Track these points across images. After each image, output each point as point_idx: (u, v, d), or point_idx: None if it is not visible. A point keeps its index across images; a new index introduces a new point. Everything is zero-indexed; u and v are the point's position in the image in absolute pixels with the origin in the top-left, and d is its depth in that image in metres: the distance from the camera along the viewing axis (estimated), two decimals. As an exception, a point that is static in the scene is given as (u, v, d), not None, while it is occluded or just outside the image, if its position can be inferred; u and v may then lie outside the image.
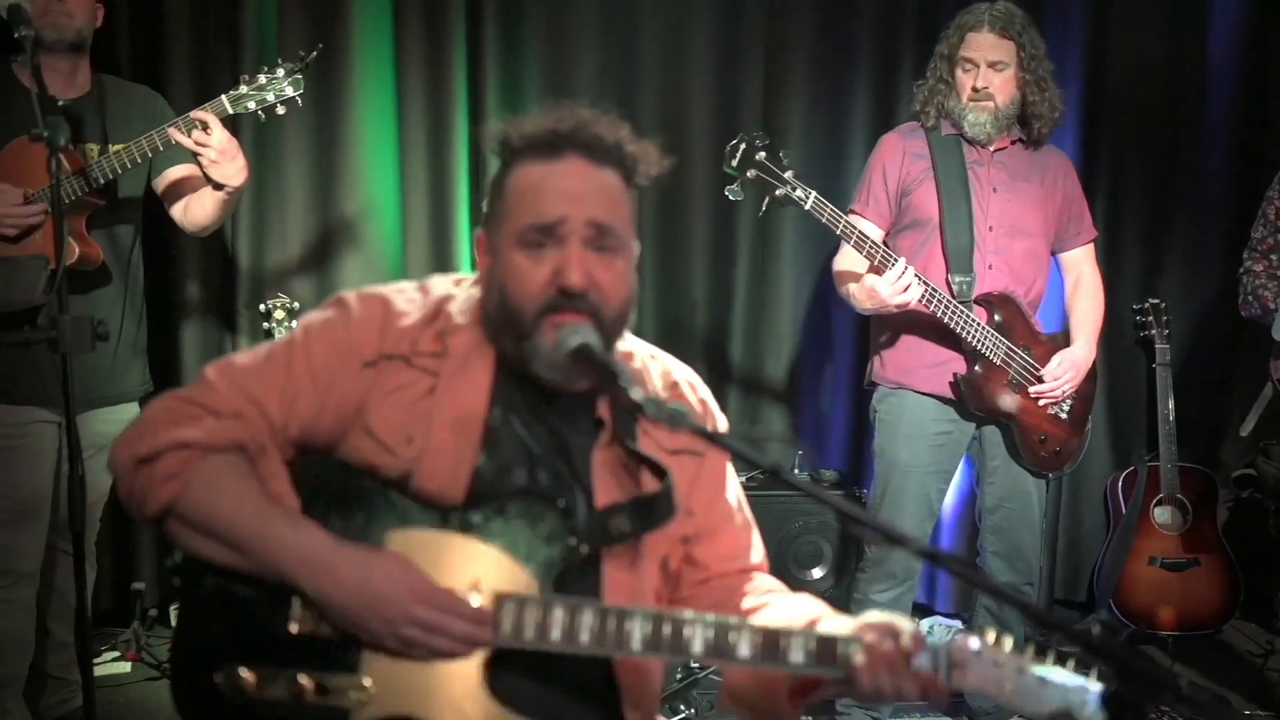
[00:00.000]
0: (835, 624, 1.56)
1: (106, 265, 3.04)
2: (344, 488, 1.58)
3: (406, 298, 1.67)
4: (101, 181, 2.89)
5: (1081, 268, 3.51)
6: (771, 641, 1.50)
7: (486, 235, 1.66)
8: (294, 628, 1.51)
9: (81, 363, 2.88)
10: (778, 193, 2.98)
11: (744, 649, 1.50)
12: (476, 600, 1.51)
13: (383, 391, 1.59)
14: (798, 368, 4.52)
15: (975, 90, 3.25)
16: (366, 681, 1.50)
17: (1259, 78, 4.53)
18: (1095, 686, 1.47)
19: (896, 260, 3.05)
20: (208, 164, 2.89)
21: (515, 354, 1.59)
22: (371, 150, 4.10)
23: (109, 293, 3.07)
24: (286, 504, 1.55)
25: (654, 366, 1.77)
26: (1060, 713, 1.47)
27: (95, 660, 3.59)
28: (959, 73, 3.29)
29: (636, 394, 1.43)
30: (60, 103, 2.39)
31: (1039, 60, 3.29)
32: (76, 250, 2.87)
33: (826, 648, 1.50)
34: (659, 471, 1.64)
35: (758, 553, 1.83)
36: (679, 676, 3.31)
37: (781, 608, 1.67)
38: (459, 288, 1.71)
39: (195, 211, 3.09)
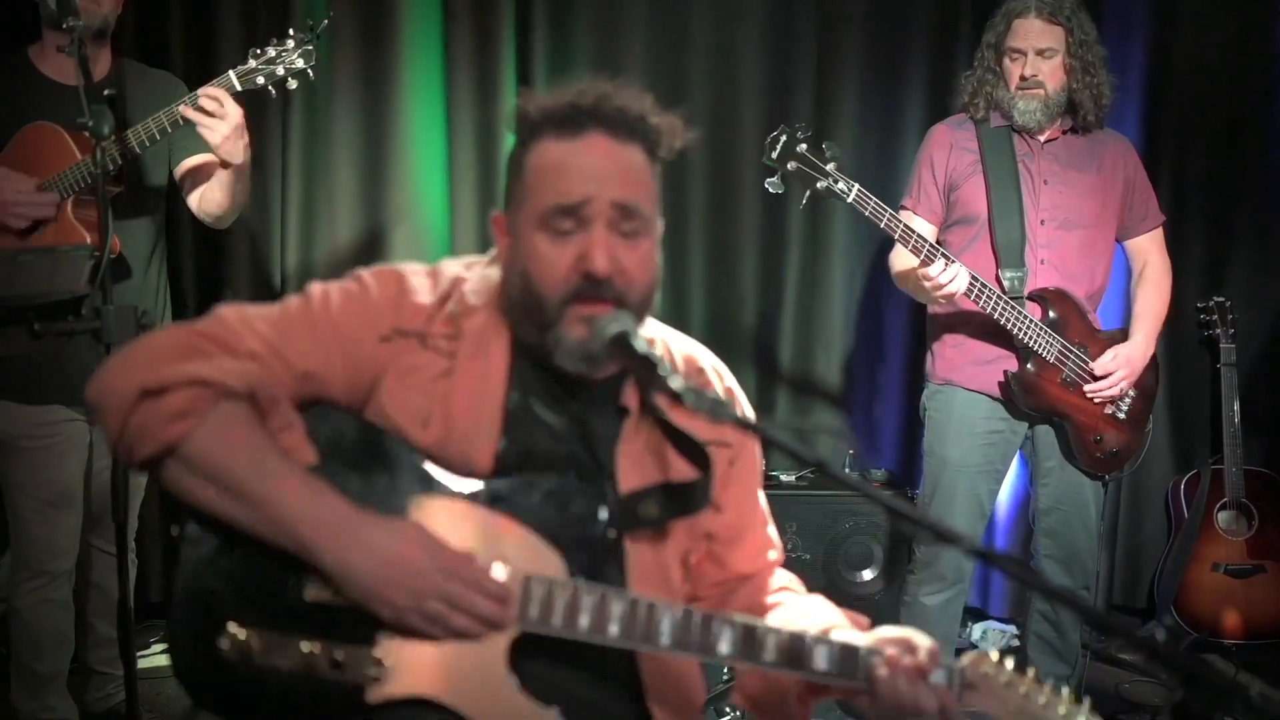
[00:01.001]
0: (851, 633, 1.56)
1: (124, 257, 2.96)
2: (366, 447, 1.52)
3: (418, 276, 1.62)
4: (113, 166, 2.79)
5: (1148, 255, 3.40)
6: (796, 647, 1.49)
7: (506, 216, 1.60)
8: (309, 593, 1.45)
9: (93, 363, 2.87)
10: (819, 185, 2.91)
11: (769, 653, 1.49)
12: (502, 576, 1.46)
13: (397, 373, 1.54)
14: (849, 366, 4.45)
15: (1024, 79, 3.16)
16: (383, 657, 1.44)
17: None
18: None
19: (939, 255, 2.97)
20: (217, 141, 2.81)
21: (537, 342, 1.54)
22: (419, 142, 4.10)
23: (130, 286, 3.00)
24: (298, 459, 1.47)
25: (676, 352, 1.71)
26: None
27: (143, 652, 3.61)
28: (1006, 61, 3.20)
29: (676, 383, 1.38)
30: (106, 93, 2.38)
31: (1089, 46, 3.19)
32: (89, 240, 2.81)
33: (849, 657, 1.49)
34: (701, 458, 1.59)
35: (776, 550, 1.80)
36: (725, 678, 3.26)
37: (796, 609, 1.66)
38: (470, 270, 1.65)
39: (208, 200, 3.03)
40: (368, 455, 1.51)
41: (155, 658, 3.66)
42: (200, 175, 3.06)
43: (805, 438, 4.24)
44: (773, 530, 1.80)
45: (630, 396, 1.61)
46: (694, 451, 1.60)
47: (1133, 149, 3.40)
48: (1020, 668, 1.48)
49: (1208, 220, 4.42)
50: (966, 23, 4.25)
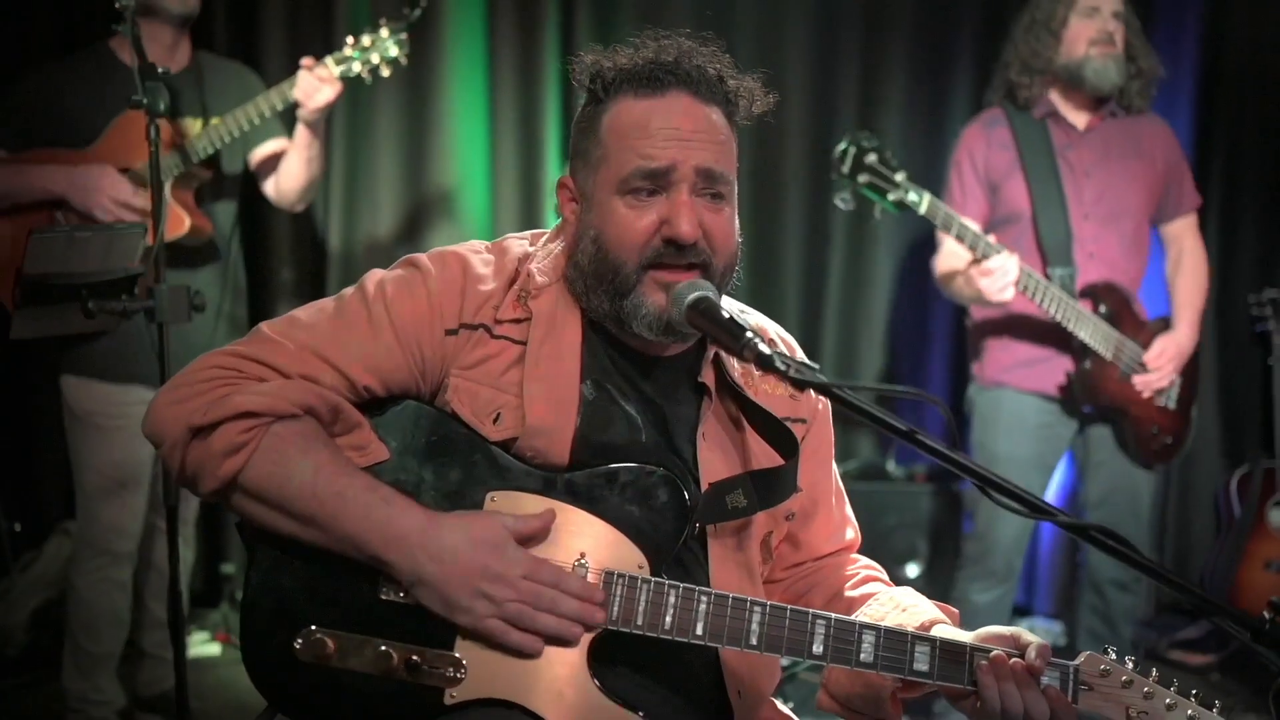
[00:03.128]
0: (953, 630, 1.48)
1: (214, 240, 3.05)
2: (438, 439, 1.47)
3: (482, 259, 1.55)
4: (202, 155, 2.89)
5: (1183, 241, 3.34)
6: (896, 647, 1.41)
7: (575, 179, 1.53)
8: (386, 594, 1.41)
9: (180, 339, 2.89)
10: (890, 197, 2.85)
11: (866, 653, 1.41)
12: (584, 573, 1.42)
13: (464, 365, 1.49)
14: (892, 362, 4.40)
15: (1104, 33, 3.08)
16: (462, 659, 1.40)
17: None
18: None
19: (999, 250, 2.91)
20: (318, 104, 2.89)
21: (611, 312, 1.48)
22: (461, 125, 4.07)
23: (214, 268, 3.07)
24: (370, 457, 1.44)
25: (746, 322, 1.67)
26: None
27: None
28: (1074, 22, 3.10)
29: (764, 348, 1.33)
30: (160, 70, 2.37)
31: (1137, 23, 3.19)
32: (187, 222, 2.89)
33: (953, 658, 1.41)
34: (786, 441, 1.53)
35: (853, 529, 1.74)
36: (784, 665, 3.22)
37: (889, 601, 1.58)
38: (537, 245, 1.59)
39: (286, 176, 3.08)
40: (441, 448, 1.47)
41: (199, 646, 3.65)
42: (274, 163, 3.12)
43: (891, 404, 4.16)
44: (849, 509, 1.74)
45: (708, 374, 1.56)
46: (777, 434, 1.54)
47: (1171, 131, 3.34)
48: (1141, 668, 1.42)
49: (1260, 213, 4.35)
50: (1012, 11, 4.20)
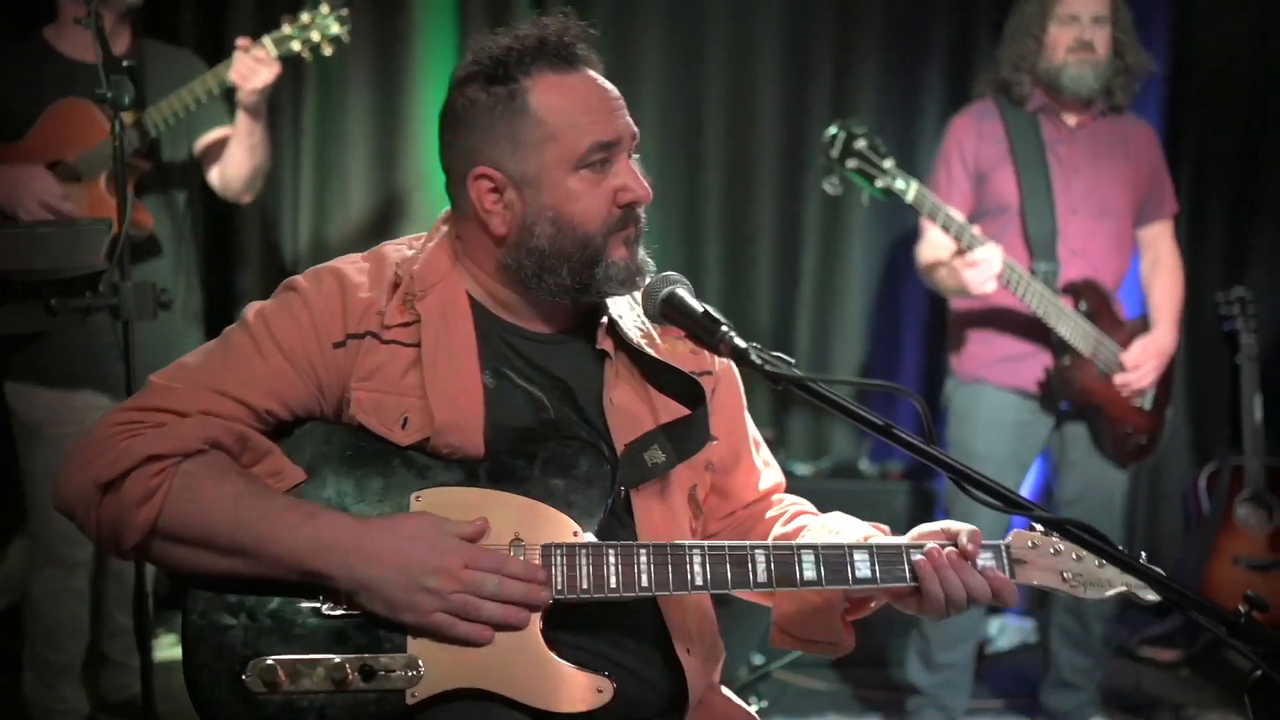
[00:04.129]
0: (886, 536, 1.55)
1: (156, 235, 2.96)
2: (353, 452, 1.47)
3: (358, 268, 1.55)
4: (137, 144, 2.78)
5: (1159, 245, 3.36)
6: (836, 559, 1.46)
7: (500, 168, 1.50)
8: (328, 609, 1.40)
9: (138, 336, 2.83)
10: (878, 184, 2.86)
11: (808, 570, 1.45)
12: (522, 551, 1.42)
13: (360, 376, 1.48)
14: (865, 359, 4.41)
15: (1080, 41, 3.09)
16: (416, 657, 1.39)
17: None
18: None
19: (983, 242, 2.92)
20: (255, 86, 2.79)
21: (576, 284, 1.51)
22: (433, 116, 4.03)
23: (158, 264, 2.98)
24: (287, 481, 1.44)
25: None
26: (1122, 595, 1.50)
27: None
28: (1053, 29, 3.12)
29: (739, 341, 1.35)
30: (125, 64, 2.33)
31: (1127, 23, 3.18)
32: (151, 220, 2.83)
33: (891, 558, 1.47)
34: (693, 391, 1.56)
35: (775, 471, 1.78)
36: (756, 665, 3.21)
37: (820, 527, 1.63)
38: (416, 248, 1.60)
39: (229, 170, 3.00)
40: (356, 461, 1.47)
41: (168, 649, 3.60)
42: (219, 150, 3.03)
43: (866, 400, 4.17)
44: (768, 454, 1.77)
45: (605, 341, 1.58)
46: (683, 385, 1.56)
47: (1155, 134, 3.38)
48: (1068, 537, 1.43)
49: (1228, 212, 4.40)
50: (985, 9, 4.22)
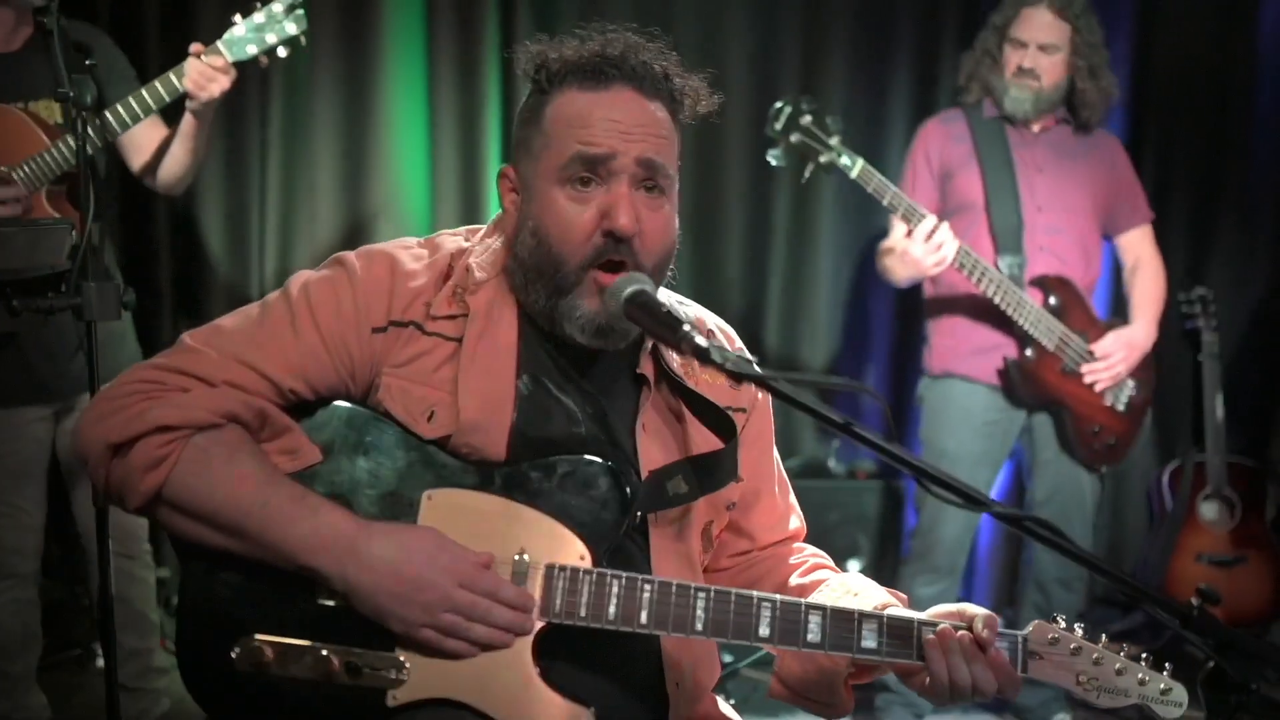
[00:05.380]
0: (900, 609, 1.48)
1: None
2: (372, 439, 1.45)
3: (413, 254, 1.53)
4: (92, 149, 2.58)
5: (1140, 249, 3.40)
6: (844, 625, 1.41)
7: (517, 169, 1.52)
8: (322, 599, 1.39)
9: (57, 353, 2.75)
10: (821, 159, 2.86)
11: (813, 633, 1.41)
12: (525, 567, 1.40)
13: (395, 363, 1.46)
14: (834, 357, 4.43)
15: (1021, 69, 3.13)
16: (403, 660, 1.39)
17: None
18: (1181, 691, 1.43)
19: (926, 216, 2.93)
20: (212, 95, 2.65)
21: (546, 310, 1.47)
22: (401, 131, 4.05)
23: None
24: (303, 459, 1.42)
25: (683, 314, 1.64)
26: (1137, 708, 1.44)
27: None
28: (1007, 48, 3.17)
29: (701, 341, 1.32)
30: (89, 61, 2.29)
31: (1095, 48, 3.18)
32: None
33: (900, 634, 1.41)
34: (725, 426, 1.54)
35: (798, 518, 1.74)
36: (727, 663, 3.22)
37: (838, 585, 1.57)
38: (473, 240, 1.58)
39: (167, 167, 2.84)
40: (374, 448, 1.45)
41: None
42: (141, 140, 2.86)
43: (830, 397, 4.18)
44: (793, 498, 1.74)
45: (646, 365, 1.55)
46: (716, 419, 1.54)
47: (1121, 146, 3.42)
48: (1090, 634, 1.43)
49: (1190, 213, 4.45)
50: (952, 5, 4.26)
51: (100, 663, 3.08)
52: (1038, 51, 3.13)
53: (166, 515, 1.40)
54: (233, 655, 1.39)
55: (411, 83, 4.04)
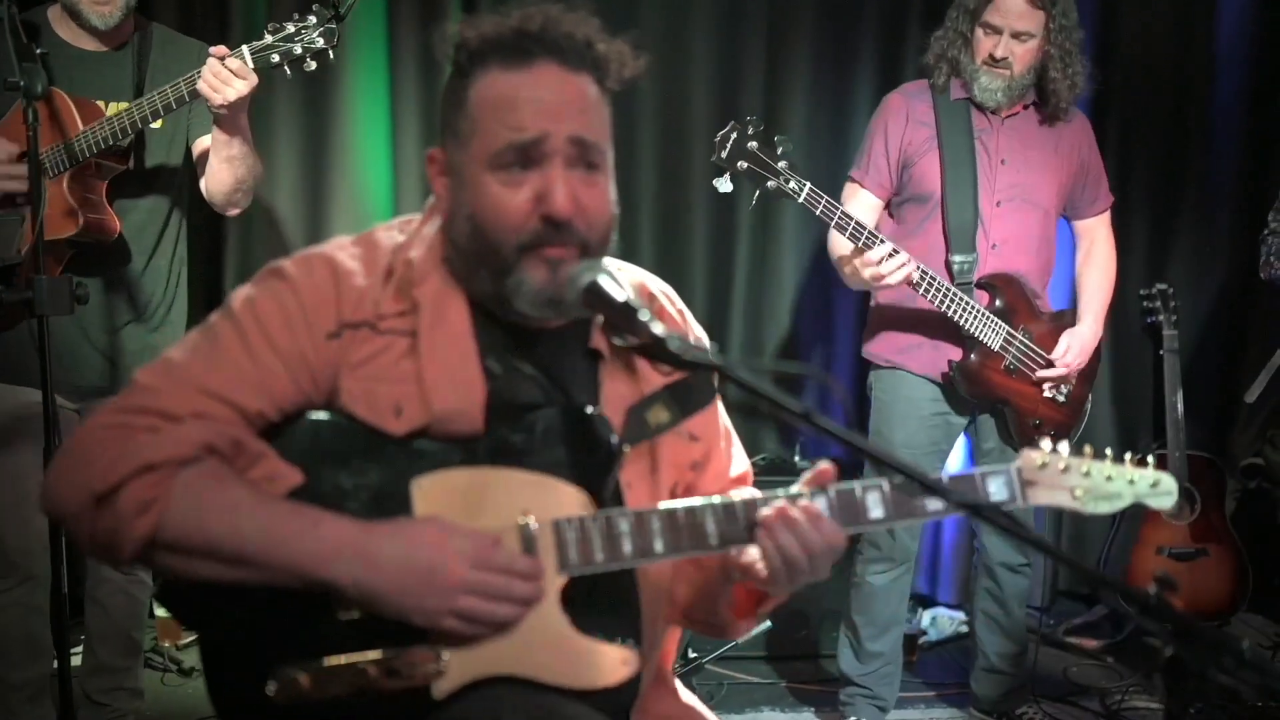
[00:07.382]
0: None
1: (124, 238, 2.77)
2: (346, 445, 1.42)
3: (350, 254, 1.48)
4: (114, 140, 2.60)
5: (1095, 235, 3.39)
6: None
7: (445, 153, 1.48)
8: (343, 613, 1.36)
9: (108, 344, 2.74)
10: (769, 185, 2.81)
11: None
12: (532, 529, 1.39)
13: (351, 365, 1.43)
14: (797, 352, 4.44)
15: (993, 57, 3.09)
16: (440, 651, 1.36)
17: (1268, 62, 4.46)
18: (1170, 480, 1.50)
19: (881, 242, 2.92)
20: (228, 99, 2.57)
21: (493, 292, 1.44)
22: (363, 132, 4.01)
23: (132, 270, 2.82)
24: (283, 484, 1.38)
25: (627, 283, 1.62)
26: (1132, 508, 1.49)
27: (75, 650, 3.45)
28: (980, 33, 3.11)
29: (658, 328, 1.32)
30: (38, 50, 2.26)
31: (1068, 32, 3.12)
32: (80, 219, 2.62)
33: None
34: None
35: (742, 462, 1.74)
36: (681, 663, 3.21)
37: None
38: (409, 230, 1.54)
39: (213, 178, 2.80)
40: (351, 454, 1.41)
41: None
42: (200, 159, 2.85)
43: (789, 386, 4.18)
44: (738, 448, 1.73)
45: (599, 339, 1.54)
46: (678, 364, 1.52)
47: (1090, 128, 3.36)
48: (1077, 449, 1.44)
49: (1150, 208, 4.48)
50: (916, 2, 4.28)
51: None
52: (1011, 39, 3.08)
53: (164, 558, 1.34)
54: (269, 693, 1.35)
55: (373, 78, 4.00)
